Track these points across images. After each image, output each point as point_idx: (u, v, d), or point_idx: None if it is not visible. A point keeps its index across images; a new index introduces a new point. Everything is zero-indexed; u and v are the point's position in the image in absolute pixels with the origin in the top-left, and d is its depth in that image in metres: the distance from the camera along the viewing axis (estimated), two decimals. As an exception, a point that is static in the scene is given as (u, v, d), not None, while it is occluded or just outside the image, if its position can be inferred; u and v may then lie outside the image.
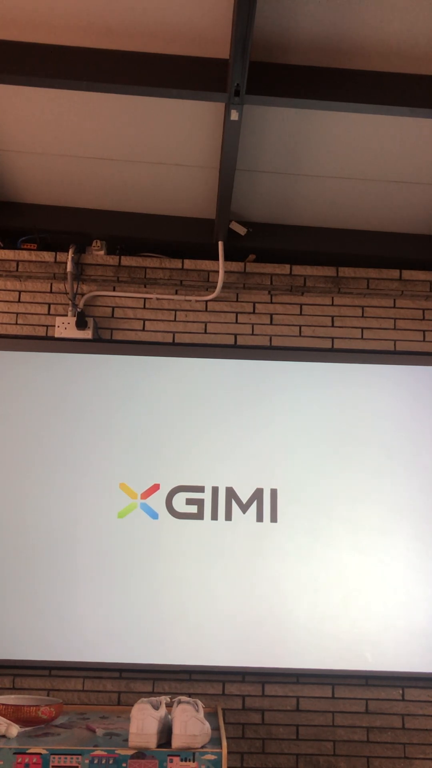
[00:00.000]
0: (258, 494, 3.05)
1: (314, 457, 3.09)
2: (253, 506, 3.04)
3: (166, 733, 2.09)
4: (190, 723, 2.02)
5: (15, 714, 2.19)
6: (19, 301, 3.26)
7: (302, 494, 3.05)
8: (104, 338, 3.23)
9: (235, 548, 2.99)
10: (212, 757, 1.96)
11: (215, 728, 2.25)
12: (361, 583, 2.97)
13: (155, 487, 3.05)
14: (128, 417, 3.11)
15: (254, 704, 2.91)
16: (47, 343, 3.18)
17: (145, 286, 3.29)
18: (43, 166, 2.91)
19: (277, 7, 2.07)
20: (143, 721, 2.01)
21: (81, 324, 3.16)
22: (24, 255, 3.25)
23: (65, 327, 3.19)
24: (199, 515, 3.02)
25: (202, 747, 2.02)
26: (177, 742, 2.00)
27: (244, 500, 3.04)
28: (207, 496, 3.04)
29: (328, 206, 3.10)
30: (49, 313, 3.25)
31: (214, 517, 3.02)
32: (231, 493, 3.05)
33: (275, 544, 3.00)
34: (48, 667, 2.89)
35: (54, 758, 1.94)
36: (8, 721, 2.13)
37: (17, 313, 3.24)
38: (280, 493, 3.05)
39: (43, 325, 3.23)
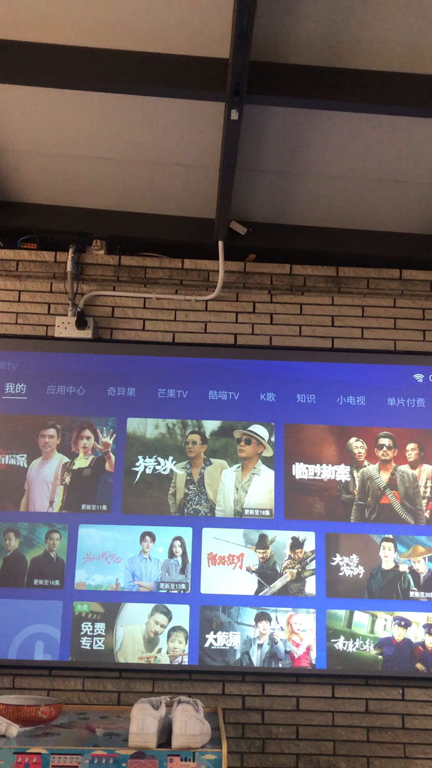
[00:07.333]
0: (260, 493, 3.05)
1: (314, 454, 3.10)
2: (255, 504, 3.04)
3: (166, 732, 2.09)
4: (190, 723, 2.02)
5: (15, 714, 2.19)
6: (19, 301, 3.26)
7: (302, 493, 3.06)
8: (104, 338, 3.23)
9: (236, 547, 2.99)
10: (212, 757, 1.96)
11: (215, 728, 2.25)
12: (360, 581, 2.98)
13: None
14: (127, 416, 3.10)
15: (254, 704, 2.90)
16: (47, 343, 3.18)
17: (145, 286, 3.29)
18: (43, 166, 2.91)
19: (277, 6, 2.07)
20: (143, 721, 2.01)
21: (81, 324, 3.16)
22: (24, 255, 3.25)
23: (65, 327, 3.19)
24: (200, 514, 3.02)
25: (202, 747, 2.02)
26: (177, 741, 2.00)
27: (248, 499, 3.04)
28: (209, 496, 3.04)
29: (328, 206, 3.10)
30: (49, 313, 3.25)
31: (218, 515, 3.02)
32: (233, 492, 3.05)
33: (276, 543, 3.00)
34: (48, 667, 2.89)
35: (54, 758, 1.94)
36: (8, 721, 2.13)
37: (17, 313, 3.24)
38: (280, 493, 3.05)
39: (43, 325, 3.23)
